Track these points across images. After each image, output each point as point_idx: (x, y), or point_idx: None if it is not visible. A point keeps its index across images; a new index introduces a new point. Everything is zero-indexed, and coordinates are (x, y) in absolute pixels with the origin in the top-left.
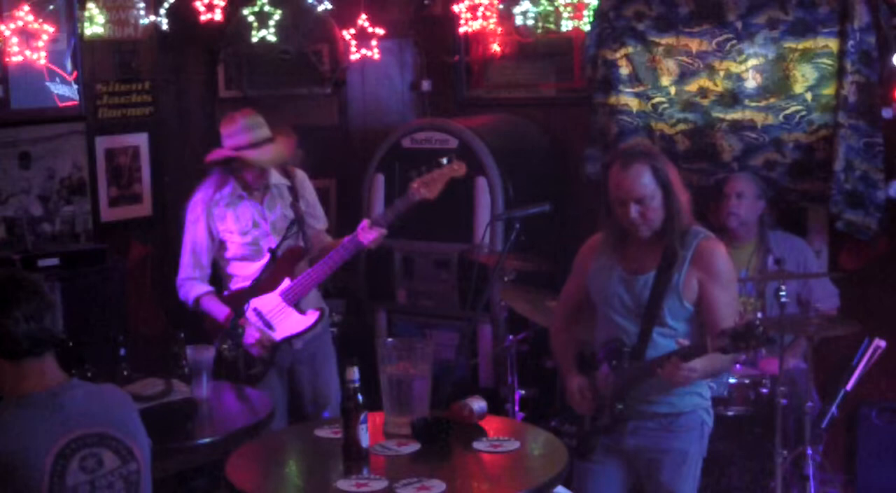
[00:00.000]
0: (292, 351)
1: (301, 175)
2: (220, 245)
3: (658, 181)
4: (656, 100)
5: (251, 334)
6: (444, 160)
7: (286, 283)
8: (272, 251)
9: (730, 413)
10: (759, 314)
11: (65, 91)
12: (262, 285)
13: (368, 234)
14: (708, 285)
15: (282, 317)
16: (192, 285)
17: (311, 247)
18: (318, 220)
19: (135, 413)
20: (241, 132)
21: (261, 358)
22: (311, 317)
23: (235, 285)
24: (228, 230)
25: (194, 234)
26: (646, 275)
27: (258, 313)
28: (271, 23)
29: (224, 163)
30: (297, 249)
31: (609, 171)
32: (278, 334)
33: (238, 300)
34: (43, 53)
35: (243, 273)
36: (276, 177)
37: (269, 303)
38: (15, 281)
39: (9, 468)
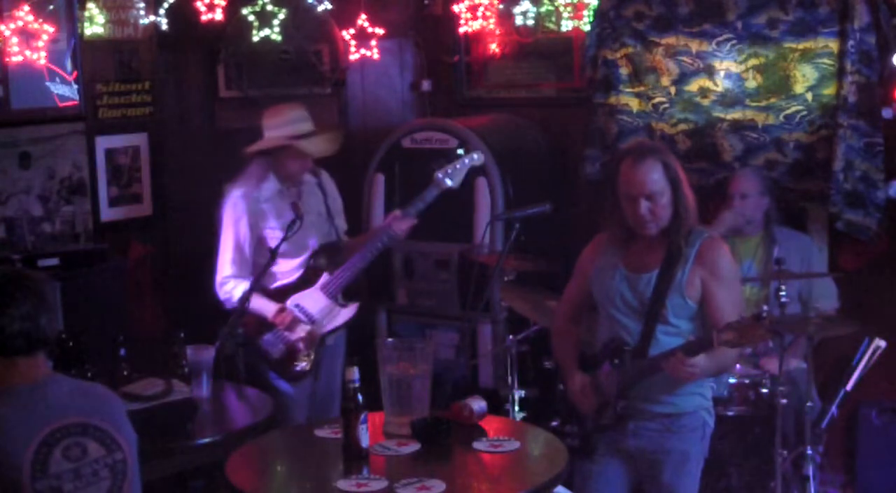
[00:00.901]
0: (324, 348)
1: (325, 175)
2: (259, 242)
3: (668, 178)
4: (657, 100)
5: (302, 329)
6: (462, 151)
7: (325, 277)
8: (272, 251)
9: (730, 413)
10: (765, 308)
11: (65, 91)
12: (300, 281)
13: (402, 223)
14: (711, 284)
15: (325, 311)
16: (238, 283)
17: (342, 243)
18: (343, 220)
19: (120, 408)
20: (295, 122)
21: (307, 353)
22: (352, 308)
23: (276, 281)
24: (270, 226)
25: (237, 231)
26: (649, 273)
27: (300, 309)
28: (276, 22)
29: (268, 154)
30: (333, 244)
31: (620, 166)
32: (325, 328)
33: (283, 297)
34: (43, 53)
35: (284, 270)
36: (306, 174)
37: (311, 298)
38: (16, 279)
39: None
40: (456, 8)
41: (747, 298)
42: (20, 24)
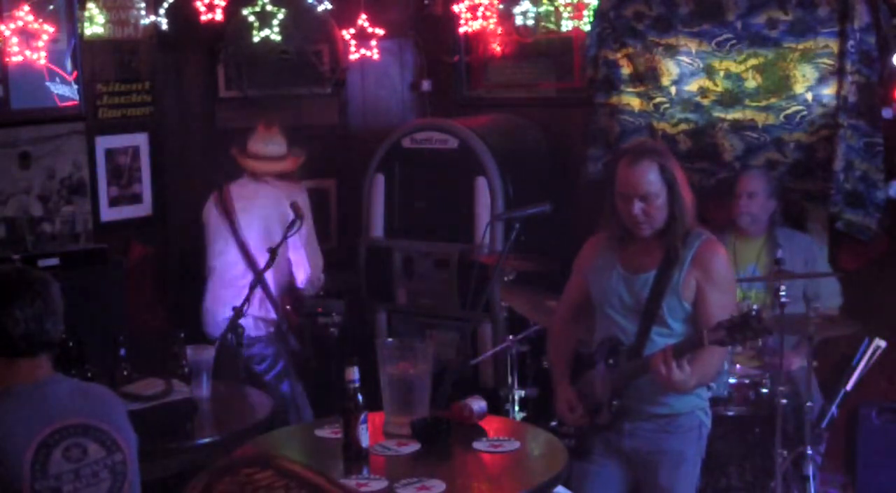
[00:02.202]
0: None
1: None
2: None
3: (664, 180)
4: (658, 100)
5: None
6: None
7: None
8: (272, 251)
9: (730, 413)
10: (755, 306)
11: (65, 91)
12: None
13: None
14: (705, 287)
15: None
16: None
17: None
18: None
19: (121, 409)
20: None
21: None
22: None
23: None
24: None
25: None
26: (646, 274)
27: None
28: (275, 22)
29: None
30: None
31: (617, 166)
32: None
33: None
34: (43, 53)
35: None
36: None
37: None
38: (23, 280)
39: None
40: (456, 8)
41: (752, 301)
42: (20, 24)
